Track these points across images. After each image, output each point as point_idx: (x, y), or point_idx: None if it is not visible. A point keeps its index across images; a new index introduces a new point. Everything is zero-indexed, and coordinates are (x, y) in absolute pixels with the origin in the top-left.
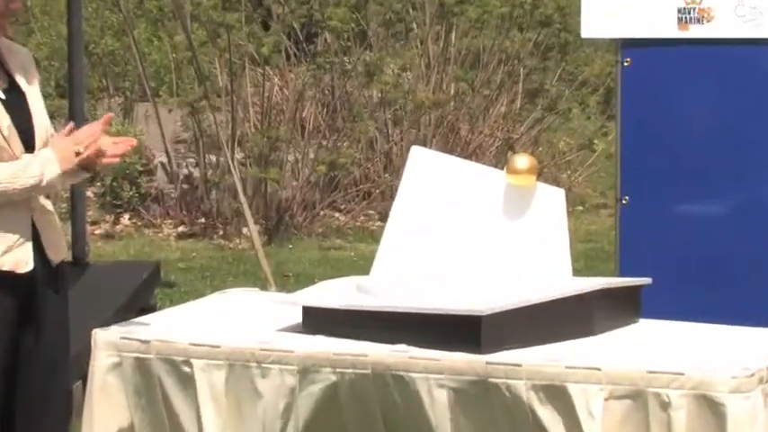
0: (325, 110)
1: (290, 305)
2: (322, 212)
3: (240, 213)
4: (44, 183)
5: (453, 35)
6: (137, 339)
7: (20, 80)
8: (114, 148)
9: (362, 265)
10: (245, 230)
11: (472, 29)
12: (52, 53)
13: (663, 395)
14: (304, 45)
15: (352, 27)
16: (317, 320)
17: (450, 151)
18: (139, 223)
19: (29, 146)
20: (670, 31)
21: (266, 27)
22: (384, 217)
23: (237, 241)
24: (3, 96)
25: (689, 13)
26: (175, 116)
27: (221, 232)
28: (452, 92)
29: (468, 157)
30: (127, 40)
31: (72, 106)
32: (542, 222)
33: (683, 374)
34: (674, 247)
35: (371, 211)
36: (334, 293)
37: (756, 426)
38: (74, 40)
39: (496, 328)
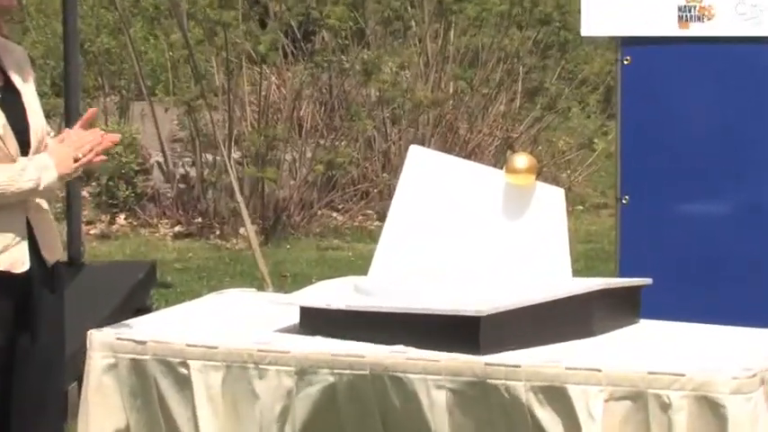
0: (322, 109)
1: (288, 306)
2: (319, 212)
3: (237, 213)
4: (41, 188)
5: (452, 33)
6: (132, 340)
7: (15, 79)
8: (98, 146)
9: (360, 266)
10: (242, 230)
11: (471, 27)
12: (48, 51)
13: (663, 396)
14: (301, 43)
15: (349, 25)
16: (315, 321)
17: (449, 150)
18: (135, 223)
19: (24, 145)
20: (670, 29)
21: (263, 25)
22: (382, 217)
23: (234, 241)
24: None
25: (689, 11)
26: (172, 115)
27: (218, 232)
28: (451, 90)
29: (467, 156)
30: (123, 38)
31: (68, 105)
32: (542, 222)
33: (683, 375)
34: (674, 247)
35: (369, 211)
36: (332, 294)
37: (758, 427)
38: (69, 39)
39: (495, 328)
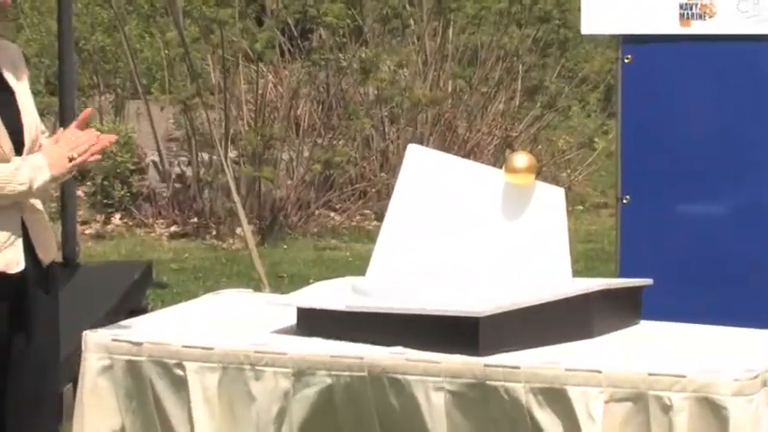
0: (320, 107)
1: (285, 306)
2: (317, 212)
3: (233, 213)
4: (34, 189)
5: (451, 31)
6: (128, 341)
7: (9, 77)
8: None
9: (358, 266)
10: (238, 230)
11: (470, 25)
12: (42, 50)
13: (664, 398)
14: (299, 41)
15: (347, 23)
16: (312, 322)
17: (448, 149)
18: (131, 223)
19: (18, 144)
20: (671, 27)
21: (260, 23)
22: (380, 217)
23: (231, 241)
24: None
25: (691, 8)
26: (167, 114)
27: (214, 232)
28: (450, 89)
29: (466, 155)
30: (118, 36)
31: (62, 104)
32: (541, 222)
33: (684, 377)
34: (675, 248)
35: (367, 211)
36: (330, 294)
37: (759, 429)
38: (64, 37)
39: (495, 329)
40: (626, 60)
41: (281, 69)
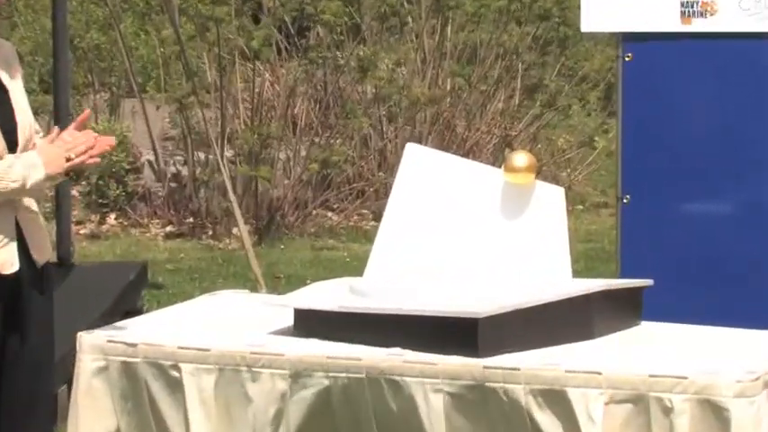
0: (317, 106)
1: (282, 307)
2: (314, 212)
3: (230, 213)
4: (27, 187)
5: (449, 29)
6: (123, 342)
7: (2, 75)
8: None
9: (356, 266)
10: (234, 230)
11: (469, 23)
12: (36, 48)
13: (665, 400)
14: (296, 39)
15: (345, 21)
16: (310, 323)
17: (447, 149)
18: (126, 223)
19: (12, 143)
20: (672, 24)
21: (256, 20)
22: (378, 216)
23: (227, 241)
24: None
25: (692, 6)
26: (163, 112)
27: (210, 232)
28: (448, 87)
29: (465, 154)
30: (113, 34)
31: (57, 102)
32: (541, 222)
33: (685, 378)
34: (677, 248)
35: (365, 211)
36: (327, 295)
37: (761, 431)
38: (58, 35)
39: (494, 330)
40: (626, 58)
41: (278, 67)
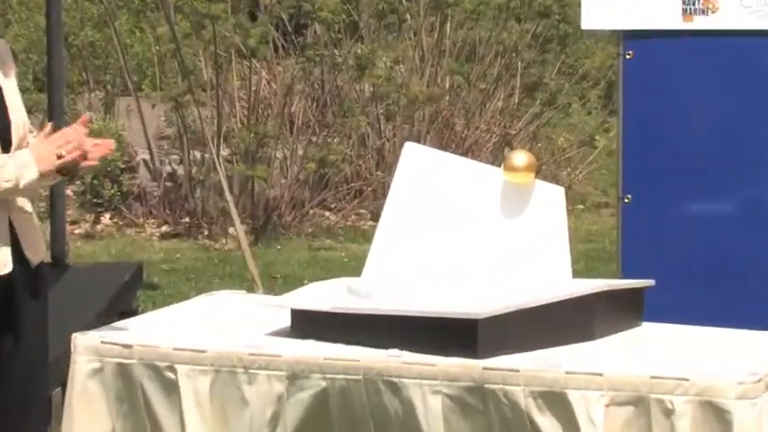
0: (314, 104)
1: (279, 308)
2: (311, 211)
3: (226, 212)
4: (20, 186)
5: (448, 26)
6: (118, 344)
7: None
8: (93, 150)
9: (354, 267)
10: (231, 230)
11: (468, 20)
12: (30, 45)
13: (666, 401)
14: (293, 37)
15: (342, 18)
16: (307, 324)
17: (445, 147)
18: (121, 223)
19: (6, 142)
20: (674, 22)
21: (253, 18)
22: (376, 216)
23: (223, 241)
24: None
25: (693, 3)
26: (158, 111)
27: (206, 232)
28: (447, 86)
29: (464, 153)
30: (108, 31)
31: (51, 101)
32: (541, 222)
33: (687, 380)
34: (678, 248)
35: (363, 210)
36: (324, 296)
37: None
38: (53, 32)
39: (493, 331)
40: (627, 56)
41: (275, 66)
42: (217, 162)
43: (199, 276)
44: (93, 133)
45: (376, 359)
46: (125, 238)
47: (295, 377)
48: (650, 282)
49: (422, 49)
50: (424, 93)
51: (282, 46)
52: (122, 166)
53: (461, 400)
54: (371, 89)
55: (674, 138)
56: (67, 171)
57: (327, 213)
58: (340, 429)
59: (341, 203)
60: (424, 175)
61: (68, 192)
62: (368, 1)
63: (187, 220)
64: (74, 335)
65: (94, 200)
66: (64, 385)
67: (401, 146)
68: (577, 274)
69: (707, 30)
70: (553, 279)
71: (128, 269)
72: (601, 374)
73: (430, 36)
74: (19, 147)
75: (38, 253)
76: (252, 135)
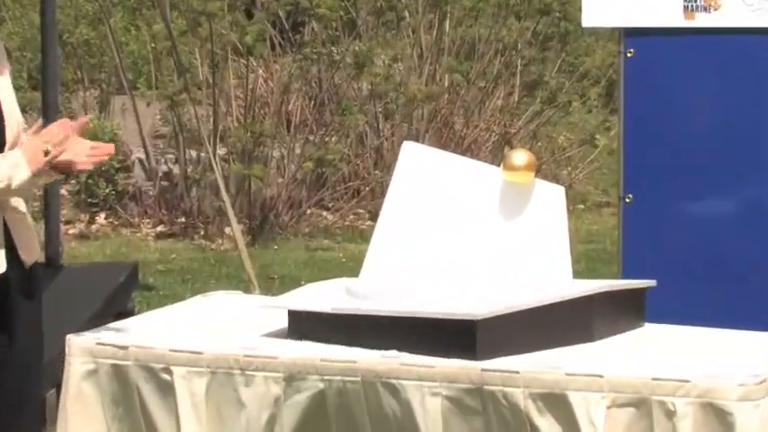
0: (312, 103)
1: (276, 309)
2: (309, 211)
3: (222, 212)
4: (13, 187)
5: (447, 24)
6: (113, 345)
7: None
8: (91, 152)
9: (351, 267)
10: (227, 230)
11: (467, 17)
12: (24, 43)
13: (668, 403)
14: (290, 34)
15: (340, 15)
16: (304, 325)
17: (444, 146)
18: (116, 222)
19: (0, 143)
20: (675, 19)
21: (250, 15)
22: (374, 216)
23: (220, 242)
24: None
25: (695, 1)
26: (154, 110)
27: (202, 232)
28: (446, 84)
29: (463, 152)
30: (103, 29)
31: (45, 99)
32: (541, 222)
33: (689, 382)
34: (680, 248)
35: (361, 210)
36: (322, 297)
37: None
38: (47, 30)
39: (493, 333)
40: (628, 54)
41: (272, 63)
42: (213, 161)
43: (195, 277)
44: (88, 132)
45: (374, 361)
46: (120, 238)
47: (292, 379)
48: (651, 282)
49: (420, 46)
50: (423, 91)
51: (279, 44)
52: (117, 166)
53: (460, 401)
54: (369, 87)
55: (676, 136)
56: (63, 168)
57: (325, 213)
58: (338, 431)
59: (339, 203)
60: (423, 175)
61: (63, 191)
62: None
63: (183, 219)
64: (68, 336)
65: (89, 199)
66: (58, 387)
67: (399, 145)
68: (578, 274)
69: (709, 27)
70: (553, 279)
71: (123, 270)
72: (601, 376)
73: (429, 33)
74: (13, 146)
75: (32, 253)
76: (248, 134)
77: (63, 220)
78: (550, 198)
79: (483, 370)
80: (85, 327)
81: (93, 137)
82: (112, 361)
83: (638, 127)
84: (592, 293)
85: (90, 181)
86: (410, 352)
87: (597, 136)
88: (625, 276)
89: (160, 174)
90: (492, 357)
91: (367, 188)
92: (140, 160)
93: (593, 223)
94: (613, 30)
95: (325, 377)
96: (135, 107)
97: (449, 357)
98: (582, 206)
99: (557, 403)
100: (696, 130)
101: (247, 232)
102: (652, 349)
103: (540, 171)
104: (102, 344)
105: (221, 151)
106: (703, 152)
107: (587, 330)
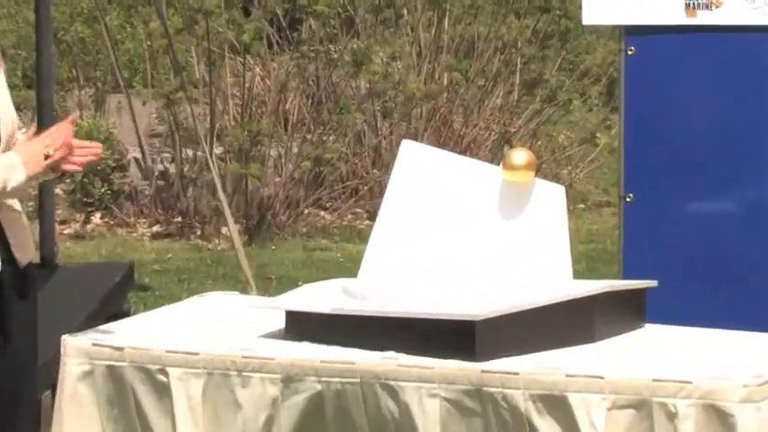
0: (309, 101)
1: (273, 310)
2: (306, 211)
3: (219, 212)
4: (8, 189)
5: (446, 22)
6: (109, 346)
7: None
8: (78, 152)
9: (349, 267)
10: (224, 230)
11: (466, 15)
12: (19, 41)
13: (669, 405)
14: (287, 32)
15: (338, 13)
16: (301, 326)
17: (443, 145)
18: (112, 222)
19: None
20: (677, 17)
21: (247, 13)
22: (372, 215)
23: (216, 242)
24: None
25: None
26: (150, 108)
27: (199, 232)
28: (445, 82)
29: (463, 151)
30: (98, 27)
31: (40, 98)
32: (541, 221)
33: (690, 383)
34: (681, 248)
35: (359, 210)
36: (320, 297)
37: None
38: (42, 28)
39: (492, 333)
40: (629, 52)
41: (269, 62)
42: (210, 160)
43: (191, 277)
44: (83, 131)
45: (372, 362)
46: (116, 237)
47: (289, 380)
48: (653, 282)
49: (419, 44)
50: (422, 89)
51: (277, 42)
52: (113, 165)
53: (459, 403)
54: (368, 86)
55: (677, 135)
56: (56, 170)
57: (323, 213)
58: None
59: (336, 203)
60: (422, 174)
61: (58, 191)
62: None
63: (179, 219)
64: (63, 337)
65: (84, 199)
66: (53, 388)
67: (398, 144)
68: (578, 274)
69: (710, 25)
70: (553, 279)
71: (119, 270)
72: (602, 377)
73: (427, 31)
74: (8, 144)
75: (27, 253)
76: (245, 133)
77: (58, 219)
78: (550, 197)
79: (482, 371)
80: (81, 327)
81: (89, 136)
82: (108, 362)
83: (638, 125)
84: (592, 294)
85: (85, 180)
86: (409, 353)
87: (598, 135)
88: (626, 276)
89: (156, 173)
90: (491, 358)
91: (365, 187)
92: (136, 159)
93: (594, 223)
94: (614, 27)
95: (323, 378)
96: (131, 106)
97: (448, 358)
98: (582, 206)
99: (557, 405)
100: (698, 128)
101: (244, 232)
102: (653, 350)
103: (540, 170)
104: (98, 345)
105: (218, 150)
106: (705, 151)
107: (588, 331)
